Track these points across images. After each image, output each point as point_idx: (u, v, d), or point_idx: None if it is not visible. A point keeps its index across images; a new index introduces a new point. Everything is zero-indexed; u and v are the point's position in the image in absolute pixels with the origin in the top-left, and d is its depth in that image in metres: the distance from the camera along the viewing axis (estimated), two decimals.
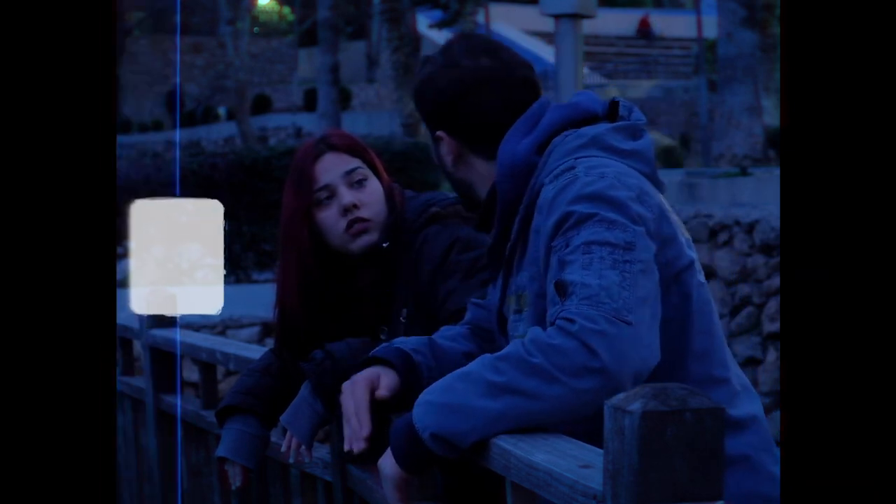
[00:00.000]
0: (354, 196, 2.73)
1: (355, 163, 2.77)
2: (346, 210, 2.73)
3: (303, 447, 2.60)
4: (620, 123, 2.14)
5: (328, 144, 2.80)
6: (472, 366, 1.92)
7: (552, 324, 1.87)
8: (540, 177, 2.09)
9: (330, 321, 2.78)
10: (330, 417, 2.58)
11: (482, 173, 2.24)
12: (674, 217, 2.09)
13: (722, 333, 2.13)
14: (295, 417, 2.58)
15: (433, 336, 2.30)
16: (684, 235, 2.10)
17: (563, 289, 1.89)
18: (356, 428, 2.12)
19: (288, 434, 2.62)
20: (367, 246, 2.73)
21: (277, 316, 2.84)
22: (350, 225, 2.72)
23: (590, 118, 2.17)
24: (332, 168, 2.76)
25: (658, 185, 2.13)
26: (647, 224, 1.97)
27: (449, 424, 1.88)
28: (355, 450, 2.12)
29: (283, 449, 2.64)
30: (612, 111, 2.20)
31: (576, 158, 2.06)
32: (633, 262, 1.91)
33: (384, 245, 2.70)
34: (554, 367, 1.82)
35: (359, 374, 2.19)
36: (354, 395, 2.15)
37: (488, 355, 1.92)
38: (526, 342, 1.86)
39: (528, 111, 2.19)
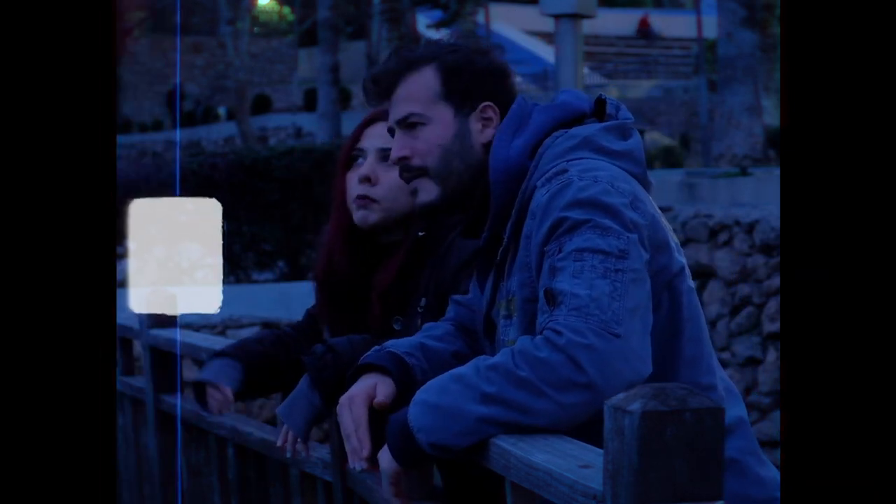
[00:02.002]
0: (374, 170, 2.74)
1: None
2: (360, 180, 2.75)
3: (299, 442, 2.61)
4: (610, 123, 2.13)
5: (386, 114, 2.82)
6: (467, 369, 1.91)
7: (541, 332, 1.86)
8: (531, 180, 2.07)
9: (366, 276, 2.78)
10: (327, 412, 2.58)
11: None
12: (664, 221, 2.08)
13: (709, 338, 2.12)
14: (291, 410, 2.58)
15: (421, 338, 2.28)
16: (674, 240, 2.08)
17: (552, 297, 1.88)
18: (357, 447, 2.10)
19: (284, 428, 2.62)
20: (363, 221, 2.74)
21: (322, 267, 2.86)
22: (358, 195, 2.74)
23: (579, 117, 2.16)
24: (374, 137, 2.78)
25: (647, 184, 2.12)
26: (640, 231, 1.96)
27: (443, 427, 1.89)
28: (358, 468, 2.11)
29: (280, 443, 2.64)
30: (598, 108, 2.18)
31: (568, 161, 2.04)
32: (625, 270, 1.89)
33: (420, 234, 2.70)
34: (540, 380, 1.82)
35: (356, 387, 2.15)
36: (353, 411, 2.11)
37: (481, 361, 1.91)
38: (515, 352, 1.86)
39: (510, 111, 2.18)
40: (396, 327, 2.69)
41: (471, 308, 2.31)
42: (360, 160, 2.78)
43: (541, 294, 1.92)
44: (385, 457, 2.00)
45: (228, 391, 2.92)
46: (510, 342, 2.04)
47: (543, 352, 1.82)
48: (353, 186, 2.77)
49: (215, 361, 2.98)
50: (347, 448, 2.12)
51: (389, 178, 2.71)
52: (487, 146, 2.18)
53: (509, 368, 1.84)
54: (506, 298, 2.09)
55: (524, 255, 2.03)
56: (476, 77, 2.21)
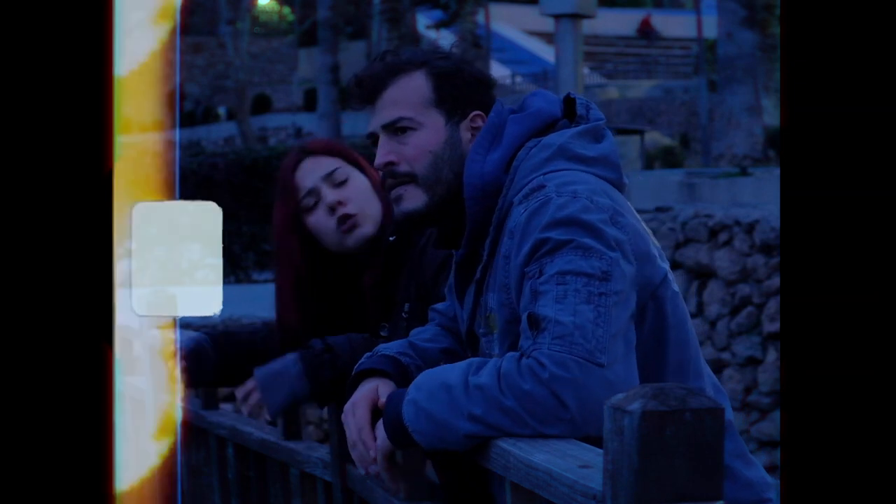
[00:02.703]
0: (337, 194, 2.75)
1: (335, 163, 2.79)
2: (331, 209, 2.75)
3: (264, 409, 2.62)
4: (583, 127, 2.09)
5: (305, 151, 2.84)
6: (456, 377, 1.90)
7: (525, 356, 1.84)
8: (508, 195, 2.03)
9: (328, 330, 2.79)
10: (318, 406, 2.58)
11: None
12: (644, 228, 2.04)
13: (696, 340, 2.09)
14: (272, 384, 2.57)
15: (409, 339, 2.27)
16: (655, 247, 2.04)
17: (535, 323, 1.85)
18: (364, 452, 2.08)
19: (250, 385, 2.63)
20: (362, 239, 2.74)
21: (276, 327, 2.87)
22: (340, 222, 2.74)
23: (552, 123, 2.11)
24: (311, 172, 2.79)
25: (622, 187, 2.08)
26: (622, 247, 1.92)
27: (438, 437, 1.90)
28: (370, 473, 2.10)
29: (239, 396, 2.65)
30: (568, 108, 2.14)
31: (544, 174, 2.00)
32: (608, 293, 1.86)
33: (391, 239, 2.70)
34: (525, 411, 1.82)
35: (357, 394, 2.12)
36: (356, 417, 2.09)
37: (471, 370, 1.89)
38: (501, 377, 1.84)
39: (487, 123, 2.12)
40: (383, 334, 2.69)
41: (448, 316, 2.29)
42: (315, 202, 2.77)
43: (524, 317, 1.89)
44: (380, 433, 2.01)
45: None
46: (497, 356, 2.02)
47: (528, 384, 1.81)
48: (325, 222, 2.76)
49: (190, 334, 3.05)
50: (354, 455, 2.10)
51: (347, 192, 2.75)
52: None
53: (495, 394, 1.83)
54: (485, 315, 2.07)
55: (503, 276, 1.99)
56: (467, 85, 2.16)
